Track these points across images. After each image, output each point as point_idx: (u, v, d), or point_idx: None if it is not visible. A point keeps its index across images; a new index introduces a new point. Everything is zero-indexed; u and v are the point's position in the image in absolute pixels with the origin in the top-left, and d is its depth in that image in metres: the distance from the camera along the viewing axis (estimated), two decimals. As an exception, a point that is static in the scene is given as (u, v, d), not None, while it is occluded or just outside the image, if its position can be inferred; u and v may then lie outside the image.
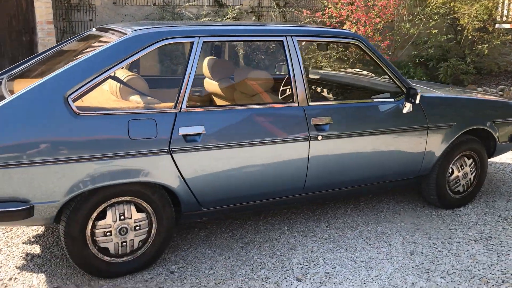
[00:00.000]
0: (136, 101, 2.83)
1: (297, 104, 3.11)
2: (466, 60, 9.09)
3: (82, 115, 2.54)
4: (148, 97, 2.87)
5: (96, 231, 2.69)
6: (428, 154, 3.62)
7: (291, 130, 3.07)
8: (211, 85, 3.72)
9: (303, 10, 8.78)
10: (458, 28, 9.60)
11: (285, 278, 2.86)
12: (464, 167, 3.87)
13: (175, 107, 2.77)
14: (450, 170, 3.82)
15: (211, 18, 9.24)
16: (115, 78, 2.91)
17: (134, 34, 2.77)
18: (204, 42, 2.91)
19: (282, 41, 3.14)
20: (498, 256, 3.19)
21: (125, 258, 2.81)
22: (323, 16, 8.56)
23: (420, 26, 8.69)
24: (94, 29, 3.52)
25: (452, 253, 3.21)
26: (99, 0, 8.76)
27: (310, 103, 3.16)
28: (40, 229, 3.37)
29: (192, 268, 2.94)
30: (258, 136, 2.96)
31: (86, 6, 8.63)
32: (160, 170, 2.72)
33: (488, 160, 4.21)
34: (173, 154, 2.73)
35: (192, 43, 2.87)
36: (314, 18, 8.60)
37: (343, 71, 4.73)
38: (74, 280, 2.78)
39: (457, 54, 9.62)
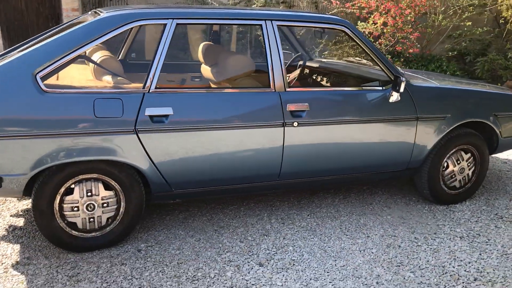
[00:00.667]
0: (107, 81, 2.89)
1: (273, 90, 3.08)
2: (507, 55, 8.64)
3: (49, 93, 2.63)
4: (119, 78, 2.92)
5: (64, 205, 2.78)
6: (418, 145, 3.49)
7: (265, 116, 3.04)
8: (205, 70, 3.76)
9: (332, 0, 8.62)
10: (501, 21, 9.13)
11: (248, 262, 2.86)
12: (460, 162, 3.70)
13: (143, 88, 2.81)
14: (444, 164, 3.66)
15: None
16: (87, 58, 2.99)
17: (106, 15, 2.83)
18: (177, 24, 2.93)
19: (261, 25, 3.11)
20: (480, 254, 3.04)
21: (93, 234, 2.89)
22: (353, 7, 8.38)
23: (454, 18, 8.34)
24: (90, 12, 3.62)
25: (431, 249, 3.09)
26: (131, -11, 8.97)
27: (287, 89, 3.12)
28: (30, 204, 3.52)
29: (160, 247, 2.99)
30: (230, 120, 2.96)
31: (118, -4, 8.86)
32: (126, 149, 2.77)
33: (492, 156, 4.02)
34: (139, 134, 2.77)
35: (165, 25, 2.90)
36: (343, 9, 8.43)
37: (343, 59, 4.63)
38: (45, 252, 2.89)
39: (498, 49, 9.16)
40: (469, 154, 3.72)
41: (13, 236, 3.08)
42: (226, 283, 2.64)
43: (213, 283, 2.64)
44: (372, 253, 3.02)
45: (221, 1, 9.00)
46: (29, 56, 2.66)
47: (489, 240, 3.23)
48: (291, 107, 3.08)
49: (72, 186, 2.78)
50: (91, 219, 2.84)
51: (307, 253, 2.98)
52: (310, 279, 2.71)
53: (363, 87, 3.39)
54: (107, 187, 2.86)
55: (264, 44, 3.09)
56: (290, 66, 4.38)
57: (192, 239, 3.10)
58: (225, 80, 3.38)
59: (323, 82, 3.99)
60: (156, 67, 2.84)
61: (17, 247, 2.95)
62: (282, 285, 2.64)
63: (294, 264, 2.85)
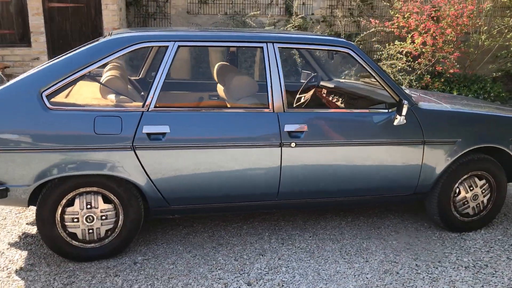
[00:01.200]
0: (110, 99, 3.04)
1: (272, 110, 3.12)
2: (557, 76, 8.24)
3: (54, 110, 2.81)
4: (122, 96, 3.06)
5: (65, 216, 2.93)
6: (425, 170, 3.40)
7: (262, 136, 3.08)
8: (219, 89, 3.86)
9: (371, 19, 8.57)
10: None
11: (237, 280, 2.88)
12: (473, 188, 3.56)
13: (143, 106, 2.94)
14: (456, 190, 3.54)
15: (280, 27, 9.34)
16: (93, 77, 3.15)
17: (112, 37, 2.99)
18: (179, 46, 3.05)
19: (262, 47, 3.17)
20: (482, 286, 2.91)
21: (92, 245, 3.02)
22: (392, 26, 8.29)
23: (499, 38, 8.05)
24: (107, 33, 3.82)
25: (430, 277, 2.99)
26: (174, 10, 9.32)
27: (286, 110, 3.15)
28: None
29: (156, 261, 3.08)
30: (227, 139, 3.03)
31: (162, 14, 9.23)
32: (124, 165, 2.89)
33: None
34: (136, 151, 2.89)
35: (167, 47, 3.03)
36: (380, 28, 8.35)
37: (357, 81, 4.59)
38: (48, 260, 3.05)
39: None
40: (483, 181, 3.58)
41: (24, 243, 3.26)
42: (210, 300, 2.68)
43: (197, 299, 2.69)
44: (367, 278, 2.96)
45: (261, 21, 9.15)
46: (37, 75, 2.85)
47: (496, 271, 3.08)
48: (289, 128, 3.11)
49: (74, 198, 2.93)
50: (90, 231, 2.98)
51: (299, 275, 2.97)
52: (295, 301, 2.70)
53: (366, 109, 3.36)
54: (107, 200, 2.99)
55: (265, 65, 3.15)
56: (309, 86, 4.39)
57: (189, 255, 3.17)
58: (231, 99, 3.46)
59: (328, 103, 3.97)
60: (156, 87, 2.96)
61: (24, 253, 3.13)
62: (265, 306, 2.65)
63: (283, 286, 2.85)
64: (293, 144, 3.11)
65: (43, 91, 2.81)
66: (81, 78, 2.93)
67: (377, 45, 8.60)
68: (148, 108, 2.94)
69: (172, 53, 3.03)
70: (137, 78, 4.17)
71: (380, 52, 8.09)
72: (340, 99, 4.11)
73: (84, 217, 2.94)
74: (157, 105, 2.97)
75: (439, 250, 3.36)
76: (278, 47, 3.20)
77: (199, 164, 3.01)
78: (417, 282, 2.93)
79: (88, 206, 2.94)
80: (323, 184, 3.26)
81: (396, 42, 7.93)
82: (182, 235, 3.45)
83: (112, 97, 3.06)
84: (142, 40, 2.99)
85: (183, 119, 2.99)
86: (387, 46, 8.05)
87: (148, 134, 2.91)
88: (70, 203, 2.94)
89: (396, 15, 8.18)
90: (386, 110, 3.34)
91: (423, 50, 7.77)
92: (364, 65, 3.31)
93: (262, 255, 3.19)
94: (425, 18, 7.75)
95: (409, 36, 7.83)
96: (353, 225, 3.71)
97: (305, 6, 9.66)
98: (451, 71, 7.77)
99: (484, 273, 3.06)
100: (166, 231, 3.50)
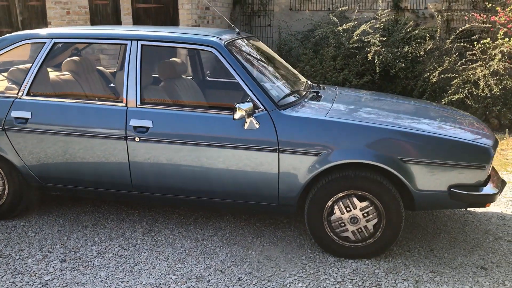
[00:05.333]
0: (2, 86, 3.61)
1: (124, 105, 3.28)
2: None
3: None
4: (12, 85, 3.58)
5: None
6: (284, 180, 3.11)
7: (111, 128, 3.27)
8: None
9: (475, 14, 7.42)
10: None
11: (57, 256, 3.18)
12: (351, 210, 3.09)
13: (17, 94, 3.43)
14: (330, 209, 3.13)
15: (387, 23, 8.62)
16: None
17: (4, 36, 3.56)
18: (55, 43, 3.45)
19: (126, 45, 3.35)
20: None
21: None
22: (500, 20, 7.05)
23: None
24: None
25: (229, 293, 2.81)
26: (278, 7, 9.54)
27: (139, 106, 3.27)
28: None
29: (32, 228, 3.57)
30: (82, 130, 3.32)
31: (266, 12, 9.55)
32: (2, 145, 3.43)
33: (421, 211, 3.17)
34: (7, 133, 3.41)
35: (44, 43, 3.46)
36: (479, 22, 7.17)
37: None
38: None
39: None
40: (366, 203, 3.07)
41: None
42: (26, 269, 3.05)
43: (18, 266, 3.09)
44: (166, 277, 2.93)
45: (367, 16, 8.57)
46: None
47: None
48: (134, 122, 3.23)
49: None
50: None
51: (115, 264, 3.10)
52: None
53: (220, 110, 3.21)
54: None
55: (125, 62, 3.32)
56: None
57: (57, 226, 3.57)
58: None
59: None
60: (30, 77, 3.43)
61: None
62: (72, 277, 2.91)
63: (90, 266, 3.04)
64: (137, 139, 3.23)
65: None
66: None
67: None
68: (20, 96, 3.42)
69: (48, 49, 3.44)
70: (113, 71, 4.67)
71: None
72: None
73: None
74: (31, 93, 3.43)
75: (289, 268, 3.05)
76: (141, 45, 3.32)
77: (60, 149, 3.37)
78: (210, 294, 2.79)
79: (-19, 175, 3.58)
80: (171, 181, 3.28)
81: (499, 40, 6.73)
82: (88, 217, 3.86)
83: (5, 84, 3.62)
84: (23, 38, 3.49)
85: (44, 107, 3.39)
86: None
87: (16, 118, 3.39)
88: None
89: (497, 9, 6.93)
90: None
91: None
92: (226, 65, 3.20)
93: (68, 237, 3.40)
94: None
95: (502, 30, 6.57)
96: (238, 227, 3.58)
97: (417, -1, 8.80)
98: None
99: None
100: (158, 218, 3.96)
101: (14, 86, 3.59)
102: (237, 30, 3.82)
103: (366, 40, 7.54)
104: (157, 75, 4.05)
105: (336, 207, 3.10)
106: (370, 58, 7.24)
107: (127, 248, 3.30)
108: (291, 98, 3.34)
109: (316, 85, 4.16)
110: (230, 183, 3.21)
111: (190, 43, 3.30)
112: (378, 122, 3.11)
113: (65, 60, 3.98)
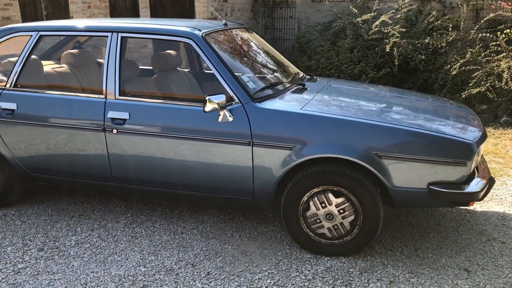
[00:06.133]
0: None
1: (103, 97, 3.30)
2: None
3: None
4: (1, 77, 3.66)
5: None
6: (258, 174, 3.04)
7: (90, 120, 3.30)
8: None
9: (502, 2, 7.05)
10: None
11: (37, 245, 3.24)
12: (326, 206, 2.99)
13: (5, 85, 3.51)
14: (305, 204, 3.04)
15: (410, 13, 8.31)
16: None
17: (-4, 29, 3.64)
18: (41, 36, 3.50)
19: (107, 37, 3.35)
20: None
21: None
22: (527, 9, 6.68)
23: None
24: None
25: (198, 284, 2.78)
26: (300, -2, 9.39)
27: (117, 98, 3.27)
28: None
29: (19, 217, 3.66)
30: (61, 120, 3.36)
31: (287, 3, 9.42)
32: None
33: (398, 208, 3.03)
34: (-13, 123, 3.49)
35: (31, 36, 3.52)
36: (508, 11, 6.80)
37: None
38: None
39: None
40: (342, 199, 2.96)
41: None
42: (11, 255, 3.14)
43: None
44: (136, 269, 2.94)
45: (390, 6, 8.32)
46: None
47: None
48: (112, 114, 3.24)
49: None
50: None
51: (89, 255, 3.13)
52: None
53: (196, 103, 3.16)
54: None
55: (106, 53, 3.33)
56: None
57: (44, 215, 3.64)
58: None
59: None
60: (17, 70, 3.49)
61: None
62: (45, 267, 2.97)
63: (63, 255, 3.09)
64: (114, 131, 3.24)
65: None
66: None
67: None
68: (7, 88, 3.49)
69: (34, 41, 3.50)
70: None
71: None
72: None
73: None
74: (18, 85, 3.50)
75: (262, 264, 2.99)
76: (122, 37, 3.33)
77: (44, 141, 3.43)
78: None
79: (-26, 164, 3.69)
80: (149, 174, 3.27)
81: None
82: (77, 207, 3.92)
83: (-2, 77, 3.72)
84: (12, 31, 3.56)
85: (28, 99, 3.45)
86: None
87: (3, 109, 3.47)
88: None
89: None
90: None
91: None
92: (203, 56, 3.15)
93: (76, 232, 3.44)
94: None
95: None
96: (221, 221, 3.55)
97: (444, -12, 8.46)
98: None
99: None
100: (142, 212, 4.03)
101: (4, 78, 3.67)
102: (224, 21, 3.76)
103: (386, 31, 7.31)
104: (151, 67, 4.05)
105: (311, 202, 3.01)
106: (388, 50, 7.01)
107: (106, 239, 3.32)
108: (270, 91, 3.26)
109: (309, 76, 4.06)
110: (206, 177, 3.17)
111: (168, 34, 3.27)
112: (354, 115, 2.98)
113: (64, 53, 4.04)
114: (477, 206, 3.80)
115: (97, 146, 3.31)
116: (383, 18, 7.37)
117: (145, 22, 3.49)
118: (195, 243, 3.26)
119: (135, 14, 7.94)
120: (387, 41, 7.12)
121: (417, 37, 7.37)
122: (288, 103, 3.16)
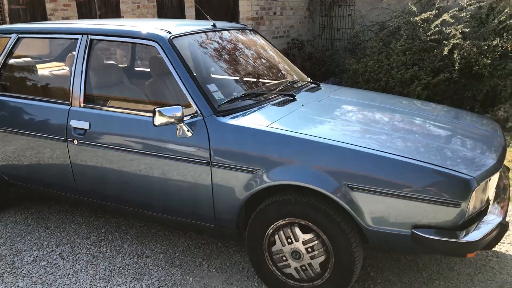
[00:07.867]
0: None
1: (68, 103, 3.06)
2: None
3: None
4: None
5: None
6: (219, 199, 2.62)
7: (53, 128, 3.08)
8: None
9: None
10: None
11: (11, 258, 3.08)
12: (293, 242, 2.51)
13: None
14: (271, 238, 2.58)
15: (480, 11, 7.42)
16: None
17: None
18: (19, 37, 3.35)
19: (77, 39, 3.11)
20: None
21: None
22: None
23: None
24: None
25: None
26: (360, -5, 8.73)
27: (84, 105, 3.01)
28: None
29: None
30: (26, 127, 3.19)
31: (346, 1, 8.81)
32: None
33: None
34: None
35: (9, 38, 3.37)
36: None
37: None
38: None
39: None
40: (310, 235, 2.47)
41: None
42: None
43: None
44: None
45: (459, 3, 7.43)
46: None
47: None
48: (74, 124, 2.99)
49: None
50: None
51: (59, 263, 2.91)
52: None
53: (148, 114, 2.78)
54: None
55: (75, 56, 3.08)
56: None
57: (21, 225, 3.49)
58: None
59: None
60: (-4, 73, 3.37)
61: None
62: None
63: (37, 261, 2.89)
64: (75, 141, 2.98)
65: None
66: None
67: None
68: (-20, 93, 3.38)
69: (12, 43, 3.35)
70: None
71: None
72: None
73: None
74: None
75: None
76: (90, 39, 3.06)
77: (16, 148, 3.28)
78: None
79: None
80: (108, 188, 2.99)
81: None
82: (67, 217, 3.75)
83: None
84: (-5, 33, 3.43)
85: (1, 104, 3.30)
86: None
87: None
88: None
89: None
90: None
91: None
92: (166, 61, 2.79)
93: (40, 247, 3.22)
94: None
95: None
96: (195, 246, 3.17)
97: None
98: None
99: None
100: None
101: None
102: (212, 22, 3.37)
103: (447, 31, 6.49)
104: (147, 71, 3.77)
105: (277, 236, 2.54)
106: (446, 53, 6.20)
107: (66, 257, 3.08)
108: (244, 103, 2.83)
109: (315, 85, 3.55)
110: (164, 197, 2.82)
111: (133, 37, 2.94)
112: (326, 135, 2.46)
113: (68, 55, 3.88)
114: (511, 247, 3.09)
115: (61, 157, 3.08)
116: (444, 16, 6.55)
117: (115, 23, 3.20)
118: (155, 271, 2.91)
119: (181, 14, 7.77)
120: (446, 42, 6.30)
121: (484, 38, 6.46)
122: (258, 117, 2.70)
